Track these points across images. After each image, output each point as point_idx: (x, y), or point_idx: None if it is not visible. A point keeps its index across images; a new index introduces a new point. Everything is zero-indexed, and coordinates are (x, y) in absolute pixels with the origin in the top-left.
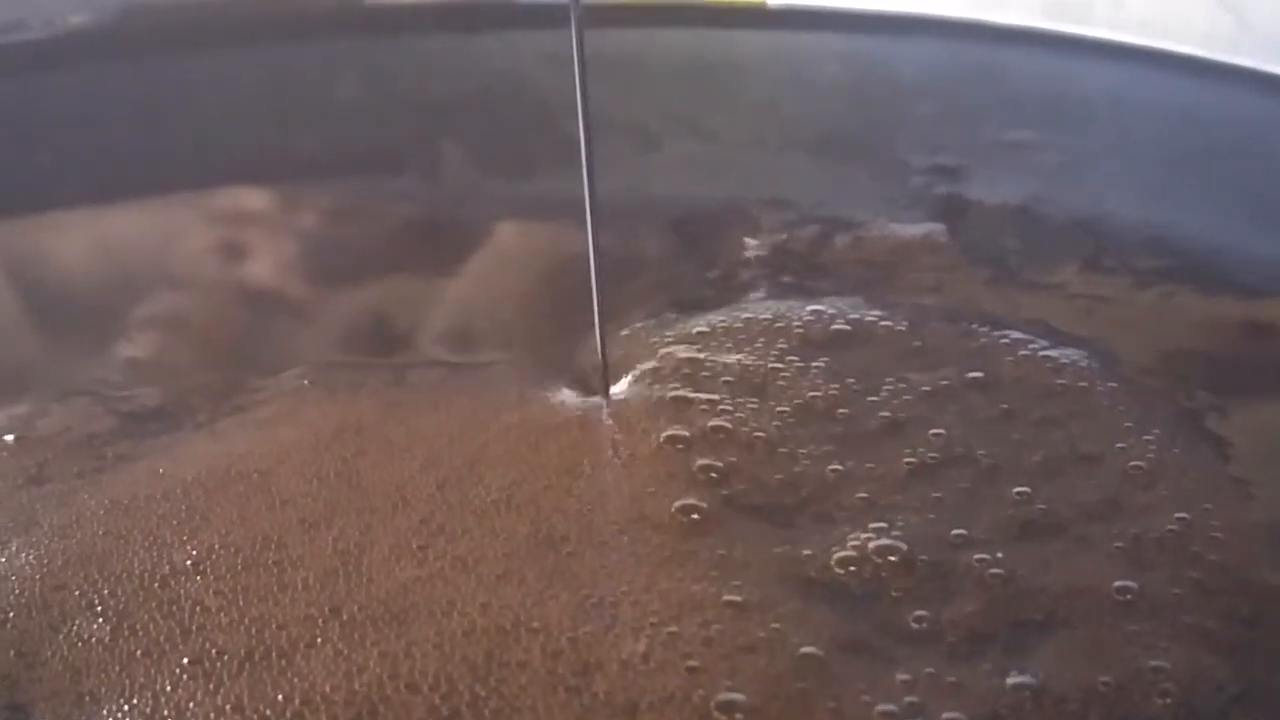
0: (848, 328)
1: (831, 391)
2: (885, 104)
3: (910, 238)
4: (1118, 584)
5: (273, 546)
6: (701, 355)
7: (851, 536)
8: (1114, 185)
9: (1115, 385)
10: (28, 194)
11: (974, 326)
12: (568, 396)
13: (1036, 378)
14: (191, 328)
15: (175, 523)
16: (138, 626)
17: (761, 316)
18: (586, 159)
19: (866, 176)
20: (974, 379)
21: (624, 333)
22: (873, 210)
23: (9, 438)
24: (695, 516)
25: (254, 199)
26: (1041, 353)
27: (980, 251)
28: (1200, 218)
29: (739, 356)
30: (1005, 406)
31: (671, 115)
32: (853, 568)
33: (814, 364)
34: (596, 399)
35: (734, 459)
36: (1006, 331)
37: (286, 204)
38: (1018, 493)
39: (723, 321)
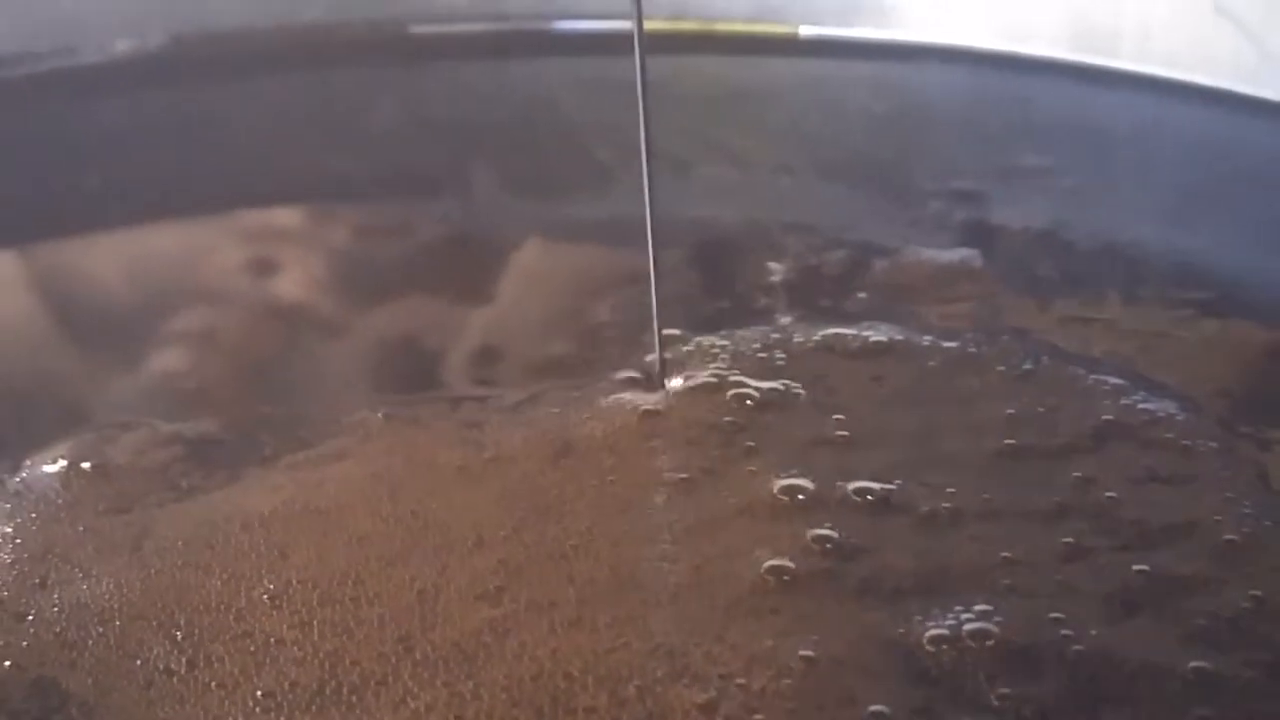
0: (927, 359)
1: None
2: (916, 132)
3: (946, 263)
4: (1193, 664)
5: (350, 583)
6: (765, 383)
7: (942, 608)
8: (1143, 214)
9: (1215, 445)
10: (77, 216)
11: (1073, 369)
12: (642, 426)
13: (1139, 433)
14: (246, 356)
15: (254, 556)
16: (213, 658)
17: (834, 344)
18: (647, 170)
19: (899, 202)
20: (1080, 435)
21: (681, 354)
22: (909, 236)
23: (85, 465)
24: (786, 578)
25: (300, 221)
26: (1140, 405)
27: (1018, 278)
28: (1230, 247)
29: (805, 385)
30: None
31: (703, 141)
32: (941, 637)
33: (904, 405)
34: (671, 430)
35: (827, 512)
36: (1104, 378)
37: (341, 229)
38: (1117, 565)
39: (775, 343)
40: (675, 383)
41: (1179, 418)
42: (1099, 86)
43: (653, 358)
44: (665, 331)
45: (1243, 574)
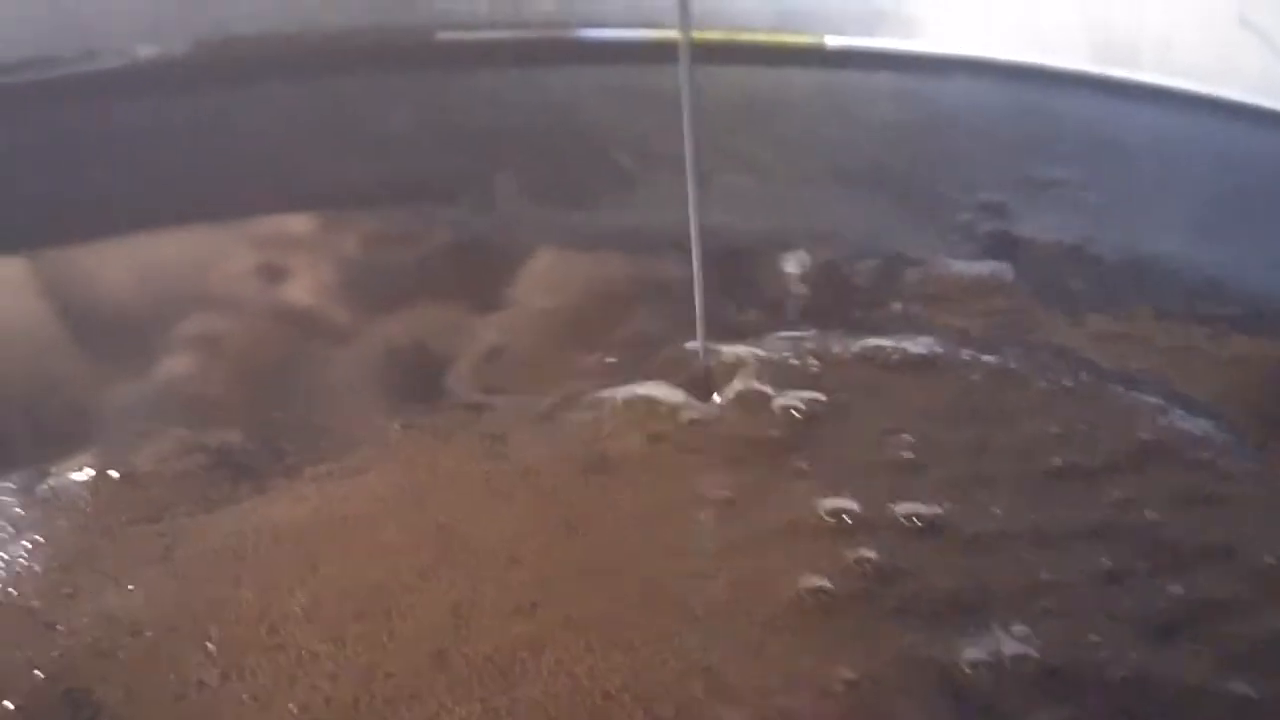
0: (970, 374)
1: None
2: (940, 143)
3: (978, 275)
4: (1232, 689)
5: (382, 596)
6: (805, 395)
7: (979, 629)
8: (1169, 228)
9: (1253, 466)
10: (97, 222)
11: (1111, 387)
12: (676, 437)
13: (1178, 453)
14: (266, 364)
15: (285, 568)
16: (246, 671)
17: (866, 355)
18: (692, 177)
19: (925, 213)
20: (1121, 455)
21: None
22: (937, 247)
23: (112, 473)
24: (824, 598)
25: (320, 228)
26: (1179, 424)
27: (1050, 292)
28: (1258, 262)
29: (851, 398)
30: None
31: (728, 150)
32: (980, 660)
33: (946, 426)
34: (707, 445)
35: (870, 533)
36: (1142, 396)
37: (362, 236)
38: (1156, 588)
39: (811, 353)
40: (713, 395)
41: (1216, 438)
42: (1122, 99)
43: (687, 368)
44: (695, 343)
45: None
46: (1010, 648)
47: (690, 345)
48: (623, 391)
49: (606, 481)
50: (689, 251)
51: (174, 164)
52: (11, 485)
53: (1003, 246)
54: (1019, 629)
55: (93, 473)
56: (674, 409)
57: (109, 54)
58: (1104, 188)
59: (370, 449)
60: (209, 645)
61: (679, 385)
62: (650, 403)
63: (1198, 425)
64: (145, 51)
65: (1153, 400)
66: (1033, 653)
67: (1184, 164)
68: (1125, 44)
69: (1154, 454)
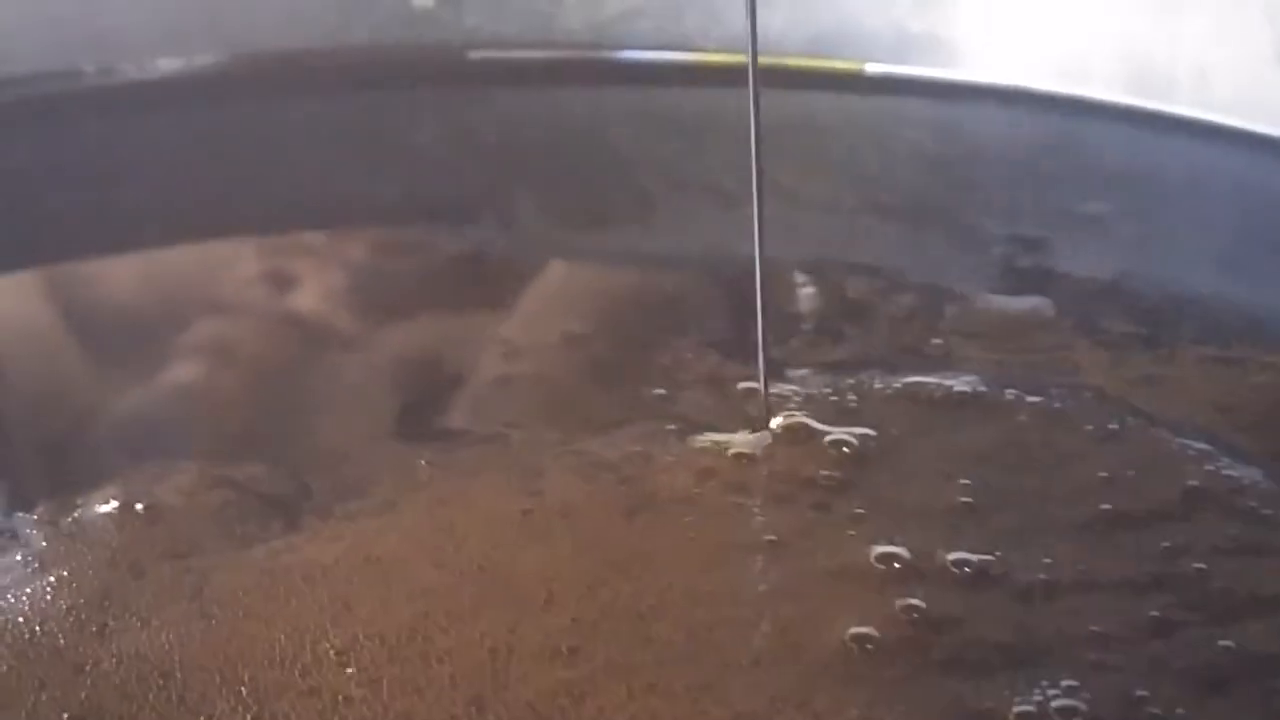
0: (1015, 414)
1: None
2: (975, 174)
3: (1017, 312)
4: None
5: (418, 639)
6: (850, 432)
7: (1028, 681)
8: (1208, 266)
9: None
10: (117, 239)
11: (1156, 431)
12: (721, 475)
13: (1225, 501)
14: (291, 395)
15: (318, 609)
16: (279, 716)
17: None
18: (757, 201)
19: (960, 245)
20: (1169, 502)
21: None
22: (975, 281)
23: (138, 506)
24: (871, 646)
25: (341, 249)
26: (1224, 471)
27: (1090, 330)
28: None
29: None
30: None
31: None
32: (1028, 714)
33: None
34: (751, 484)
35: (917, 578)
36: (1188, 441)
37: (384, 258)
38: (1205, 640)
39: (851, 389)
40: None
41: (1262, 485)
42: (1158, 131)
43: (729, 401)
44: (742, 384)
45: None
46: (1058, 700)
47: (745, 386)
48: (664, 426)
49: (649, 521)
50: (720, 277)
51: (197, 180)
52: (35, 518)
53: (1042, 282)
54: (1067, 681)
55: (118, 506)
56: (718, 446)
57: (130, 67)
58: (1141, 222)
59: (399, 485)
60: (240, 689)
61: (721, 420)
62: (694, 439)
63: (1245, 472)
64: (168, 65)
65: (1199, 446)
66: (1081, 705)
67: (1221, 199)
68: (1162, 76)
69: (1201, 501)
